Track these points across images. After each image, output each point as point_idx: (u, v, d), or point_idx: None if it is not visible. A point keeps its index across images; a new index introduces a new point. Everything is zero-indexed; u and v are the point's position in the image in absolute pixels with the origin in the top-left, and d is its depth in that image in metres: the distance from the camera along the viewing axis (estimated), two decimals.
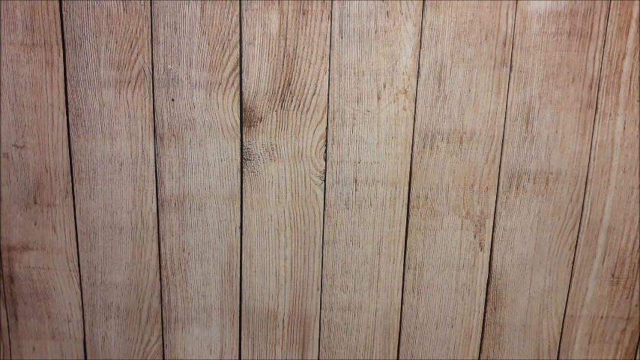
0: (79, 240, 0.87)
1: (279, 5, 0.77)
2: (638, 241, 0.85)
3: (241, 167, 0.83)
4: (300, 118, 0.81)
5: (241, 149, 0.83)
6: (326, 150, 0.82)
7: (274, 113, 0.81)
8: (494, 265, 0.86)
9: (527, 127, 0.80)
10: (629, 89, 0.79)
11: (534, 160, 0.82)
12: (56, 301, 0.90)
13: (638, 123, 0.80)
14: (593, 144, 0.81)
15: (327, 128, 0.81)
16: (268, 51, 0.78)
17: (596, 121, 0.80)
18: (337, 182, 0.83)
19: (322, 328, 0.90)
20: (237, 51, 0.79)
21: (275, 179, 0.83)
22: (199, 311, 0.90)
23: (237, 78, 0.80)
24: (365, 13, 0.77)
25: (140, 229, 0.86)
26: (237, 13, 0.77)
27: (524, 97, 0.79)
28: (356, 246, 0.86)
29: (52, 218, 0.86)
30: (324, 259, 0.87)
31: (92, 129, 0.82)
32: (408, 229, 0.85)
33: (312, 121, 0.81)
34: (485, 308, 0.89)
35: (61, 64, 0.80)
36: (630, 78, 0.78)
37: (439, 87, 0.79)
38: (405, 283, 0.88)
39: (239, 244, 0.87)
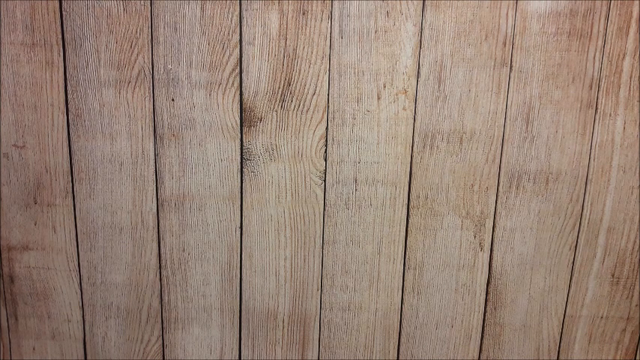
0: (79, 240, 0.87)
1: (279, 5, 0.77)
2: (638, 241, 0.85)
3: (241, 167, 0.83)
4: (300, 118, 0.81)
5: (241, 149, 0.83)
6: (326, 150, 0.82)
7: (274, 113, 0.81)
8: (494, 265, 0.86)
9: (527, 127, 0.80)
10: (629, 89, 0.79)
11: (534, 160, 0.82)
12: (56, 301, 0.90)
13: (638, 123, 0.80)
14: (593, 144, 0.81)
15: (327, 128, 0.81)
16: (268, 51, 0.78)
17: (596, 121, 0.80)
18: (337, 182, 0.83)
19: (322, 328, 0.90)
20: (237, 51, 0.79)
21: (275, 179, 0.83)
22: (199, 311, 0.90)
23: (237, 78, 0.80)
24: (365, 13, 0.77)
25: (140, 229, 0.86)
26: (237, 13, 0.77)
27: (524, 97, 0.79)
28: (356, 246, 0.86)
29: (52, 218, 0.86)
30: (324, 259, 0.87)
31: (92, 129, 0.82)
32: (408, 229, 0.85)
33: (312, 121, 0.81)
34: (485, 308, 0.89)
35: (61, 64, 0.80)
36: (630, 78, 0.78)
37: (439, 87, 0.79)
38: (405, 283, 0.88)
39: (239, 244, 0.87)
